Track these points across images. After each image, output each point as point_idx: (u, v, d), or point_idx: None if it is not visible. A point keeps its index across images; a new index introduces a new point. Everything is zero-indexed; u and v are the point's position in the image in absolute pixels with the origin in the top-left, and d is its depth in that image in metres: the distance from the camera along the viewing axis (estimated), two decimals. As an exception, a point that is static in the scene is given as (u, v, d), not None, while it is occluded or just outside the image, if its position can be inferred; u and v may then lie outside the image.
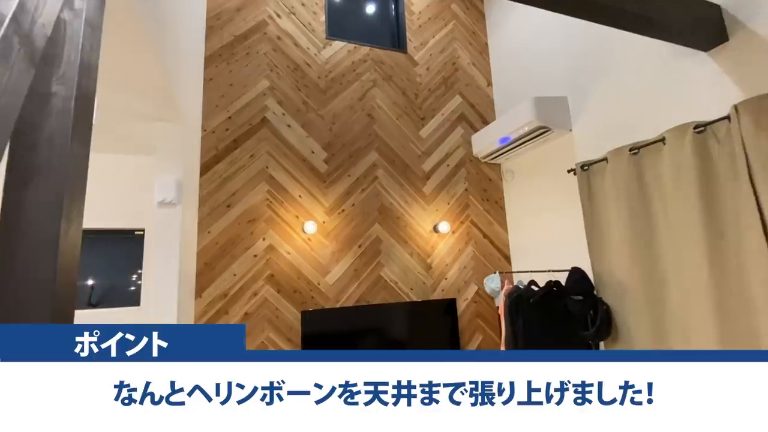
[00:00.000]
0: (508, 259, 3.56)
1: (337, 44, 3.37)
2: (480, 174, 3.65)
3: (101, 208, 2.62)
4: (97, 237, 2.68)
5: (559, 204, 3.03)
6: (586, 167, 2.67)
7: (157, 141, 2.08)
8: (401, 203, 3.30)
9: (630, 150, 2.37)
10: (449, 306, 3.21)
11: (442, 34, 3.81)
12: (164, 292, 2.03)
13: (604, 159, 2.54)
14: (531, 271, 3.10)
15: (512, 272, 3.46)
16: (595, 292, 2.57)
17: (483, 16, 4.05)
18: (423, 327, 3.09)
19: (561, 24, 3.04)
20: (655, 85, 2.34)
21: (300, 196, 2.99)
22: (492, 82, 3.90)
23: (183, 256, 2.39)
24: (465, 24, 3.94)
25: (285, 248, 2.88)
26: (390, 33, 3.78)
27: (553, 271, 2.83)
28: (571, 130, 2.93)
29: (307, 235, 2.95)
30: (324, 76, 3.26)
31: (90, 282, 2.66)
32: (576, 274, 2.59)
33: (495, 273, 3.38)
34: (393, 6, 3.82)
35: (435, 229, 3.34)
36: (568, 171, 2.81)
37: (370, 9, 3.80)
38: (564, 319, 2.67)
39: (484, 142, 3.37)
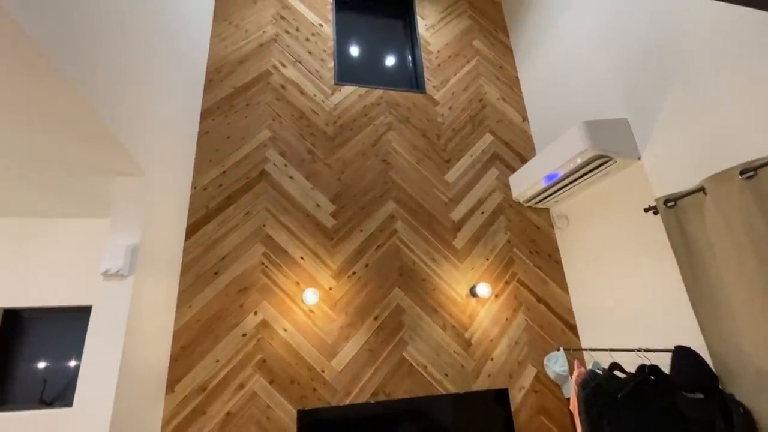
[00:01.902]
0: (573, 330, 2.73)
1: (347, 89, 3.07)
2: (524, 221, 2.99)
3: (65, 283, 2.26)
4: (55, 318, 2.29)
5: (638, 253, 2.28)
6: (671, 202, 1.96)
7: (113, 200, 1.72)
8: (427, 261, 2.68)
9: (741, 173, 1.66)
10: (499, 398, 2.40)
11: (465, 71, 3.43)
12: (100, 389, 1.51)
13: (700, 189, 1.83)
14: (610, 350, 2.28)
15: (582, 350, 2.61)
16: (720, 387, 1.71)
17: (509, 49, 3.67)
18: (465, 429, 2.28)
19: (606, 36, 2.54)
20: (764, 75, 1.68)
21: (302, 258, 2.49)
22: (527, 117, 3.38)
23: (153, 339, 1.91)
24: (490, 59, 3.56)
25: (281, 324, 2.32)
26: (406, 75, 3.46)
27: (645, 350, 2.01)
28: (640, 158, 2.27)
29: (309, 307, 2.38)
30: (332, 122, 2.92)
31: (42, 367, 2.22)
32: (685, 357, 1.76)
33: (559, 350, 2.56)
34: (409, 47, 3.56)
35: (472, 292, 2.65)
36: (646, 210, 2.10)
37: (384, 52, 3.56)
38: (676, 428, 1.79)
39: (524, 182, 2.76)
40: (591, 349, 2.48)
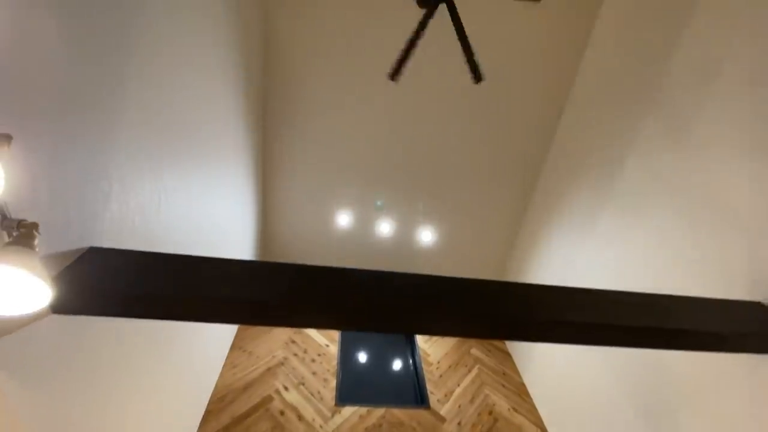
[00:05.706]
0: None
1: (348, 410, 2.98)
2: None
3: None
4: None
5: None
6: None
7: None
8: None
9: None
10: None
11: (468, 380, 3.42)
12: None
13: None
14: None
15: None
16: None
17: (508, 355, 3.80)
18: None
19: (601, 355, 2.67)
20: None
21: None
22: (547, 428, 3.05)
23: None
24: (491, 366, 3.62)
25: None
26: (409, 388, 3.44)
27: None
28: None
29: None
30: (329, 452, 2.65)
31: None
32: None
33: None
34: (410, 359, 3.72)
35: None
36: None
37: (385, 366, 3.68)
38: None
39: None
40: None
